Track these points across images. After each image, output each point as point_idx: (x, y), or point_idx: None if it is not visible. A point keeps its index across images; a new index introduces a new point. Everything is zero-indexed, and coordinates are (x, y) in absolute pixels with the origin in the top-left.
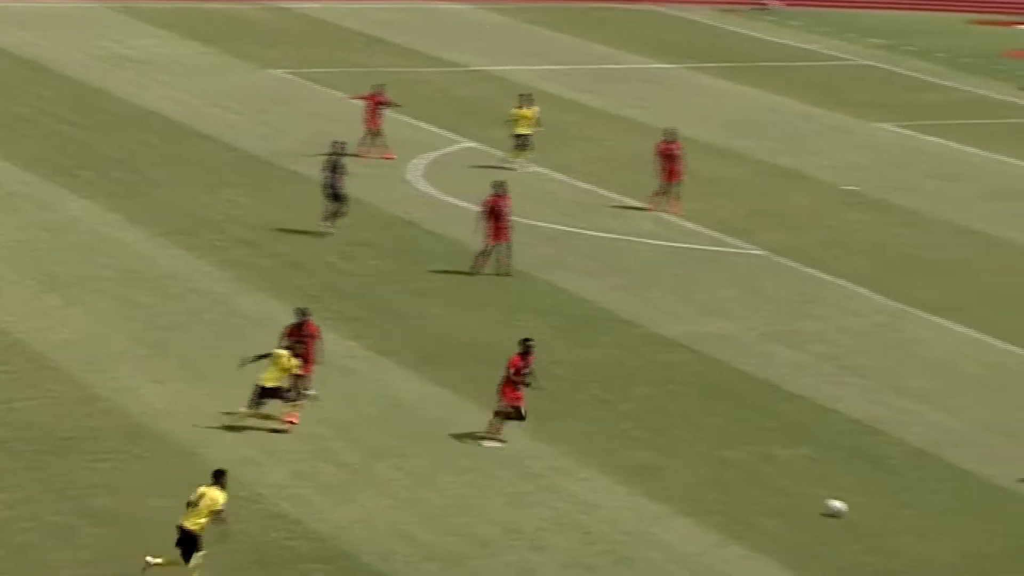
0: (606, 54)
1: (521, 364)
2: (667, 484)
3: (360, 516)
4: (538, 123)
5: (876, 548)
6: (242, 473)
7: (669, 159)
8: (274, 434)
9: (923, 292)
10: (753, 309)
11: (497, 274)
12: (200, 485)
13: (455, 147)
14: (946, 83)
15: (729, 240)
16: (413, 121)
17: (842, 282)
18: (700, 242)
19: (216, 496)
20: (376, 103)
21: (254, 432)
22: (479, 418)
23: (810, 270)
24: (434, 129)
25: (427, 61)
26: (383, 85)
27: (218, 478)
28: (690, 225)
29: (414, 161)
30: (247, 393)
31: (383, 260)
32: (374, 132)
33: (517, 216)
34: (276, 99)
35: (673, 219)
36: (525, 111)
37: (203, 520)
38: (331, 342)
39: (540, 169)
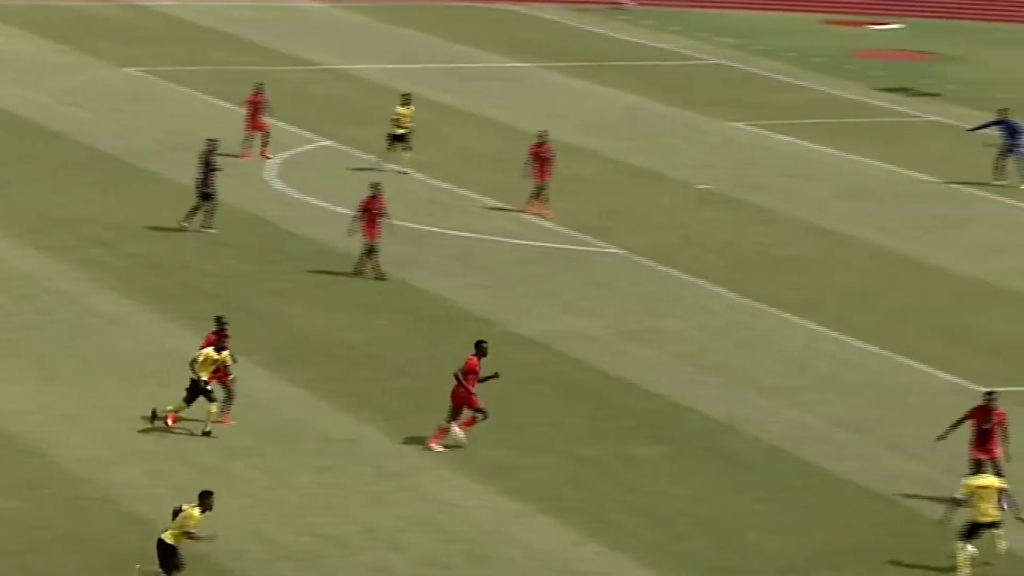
0: (463, 53)
1: (478, 366)
2: (525, 482)
3: (215, 516)
4: (410, 121)
5: (730, 545)
6: (95, 474)
7: (540, 161)
8: (127, 434)
9: (778, 290)
10: (610, 308)
11: (376, 278)
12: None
13: (312, 146)
14: (798, 82)
15: (586, 239)
16: (270, 120)
17: (698, 280)
18: (557, 241)
19: (192, 514)
20: (257, 103)
21: (105, 432)
22: (336, 418)
23: (666, 269)
24: (291, 128)
25: (284, 60)
26: (263, 84)
27: (202, 499)
28: (548, 224)
29: (271, 160)
30: (101, 393)
31: (240, 260)
32: (261, 131)
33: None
34: (132, 97)
35: (531, 218)
36: (403, 110)
37: (177, 534)
38: (188, 342)
39: (393, 167)
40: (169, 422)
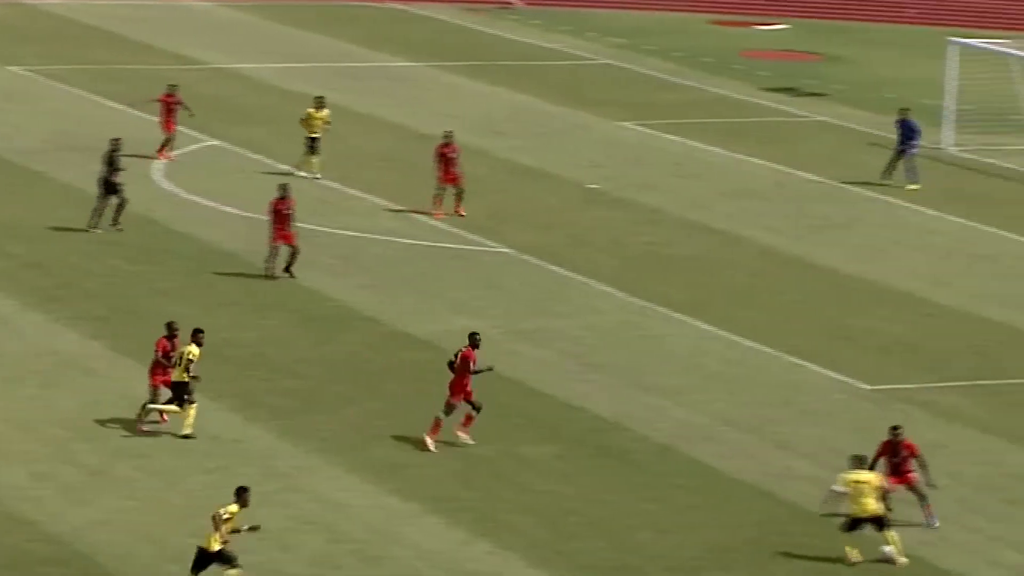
0: (351, 52)
1: (474, 357)
2: (415, 482)
3: (101, 518)
4: (323, 125)
5: (619, 543)
6: None
7: (446, 161)
8: (11, 435)
9: (666, 289)
10: (500, 307)
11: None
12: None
13: (198, 145)
14: (686, 82)
15: (474, 238)
16: (155, 119)
17: (587, 280)
18: (447, 240)
19: (232, 510)
20: (170, 104)
21: None
22: (224, 418)
23: (555, 268)
24: (178, 128)
25: (170, 59)
26: (176, 86)
27: (240, 495)
28: (436, 223)
29: (158, 160)
30: None
31: (126, 259)
32: (168, 133)
33: (258, 214)
34: (15, 96)
35: (419, 216)
36: (316, 112)
37: (224, 538)
38: (73, 342)
39: (285, 166)
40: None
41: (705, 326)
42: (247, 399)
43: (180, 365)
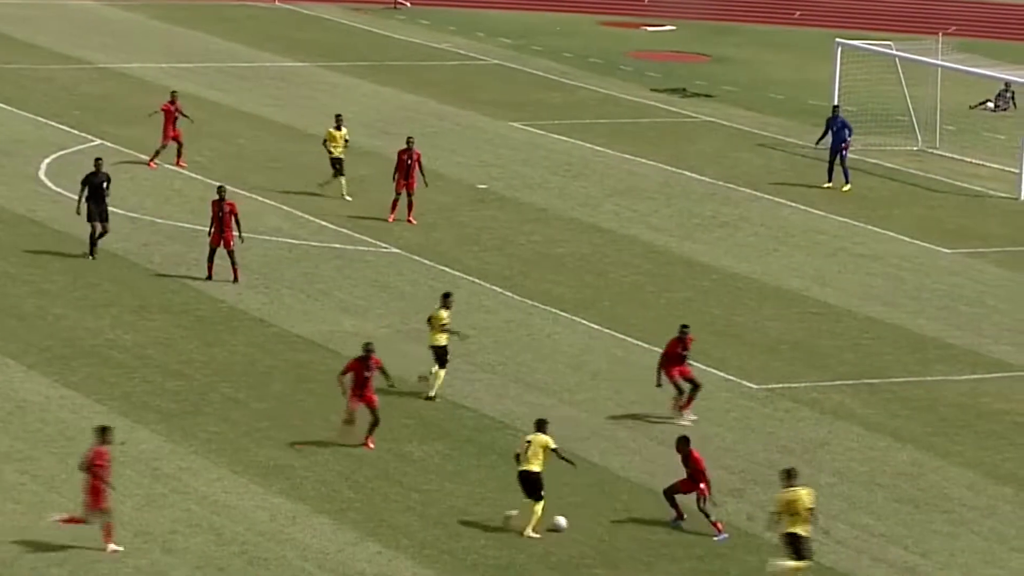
0: (237, 51)
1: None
2: (302, 483)
3: None
4: (346, 145)
5: (507, 542)
6: None
7: (403, 168)
8: None
9: (553, 288)
10: (388, 307)
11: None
12: None
13: (82, 145)
14: (574, 82)
15: (361, 238)
16: (39, 118)
17: (475, 279)
18: (334, 240)
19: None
20: (171, 112)
21: None
22: (109, 420)
23: (443, 267)
24: (60, 127)
25: (52, 57)
26: (176, 93)
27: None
28: (322, 223)
29: (41, 159)
30: None
31: (8, 260)
32: (176, 140)
33: (143, 214)
34: None
35: (307, 217)
36: (336, 132)
37: None
38: None
39: (169, 166)
40: None
41: (592, 325)
42: (132, 401)
43: (434, 330)
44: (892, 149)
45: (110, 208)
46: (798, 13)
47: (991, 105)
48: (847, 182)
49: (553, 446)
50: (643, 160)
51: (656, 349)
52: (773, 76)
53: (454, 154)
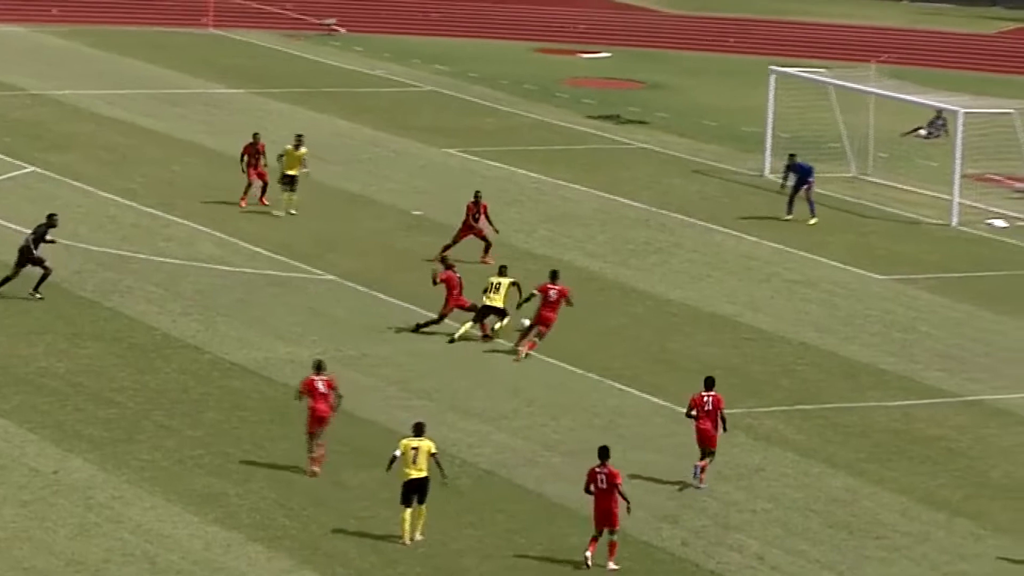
0: (170, 78)
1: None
2: (236, 511)
3: None
4: (304, 164)
5: (443, 570)
6: None
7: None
8: None
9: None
10: (323, 334)
11: None
12: None
13: (15, 172)
14: (509, 109)
15: (297, 265)
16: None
17: (410, 306)
18: (267, 267)
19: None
20: (253, 152)
21: None
22: (42, 449)
23: (378, 294)
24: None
25: None
26: (259, 133)
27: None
28: (256, 250)
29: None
30: None
31: None
32: (261, 179)
33: (77, 241)
34: None
35: (241, 244)
36: (294, 151)
37: None
38: None
39: (104, 193)
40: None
41: (529, 351)
42: (65, 429)
43: (497, 293)
44: (826, 176)
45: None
46: (732, 40)
47: (923, 132)
48: (813, 215)
49: (434, 451)
50: (578, 186)
51: (591, 375)
52: (707, 103)
53: (389, 180)
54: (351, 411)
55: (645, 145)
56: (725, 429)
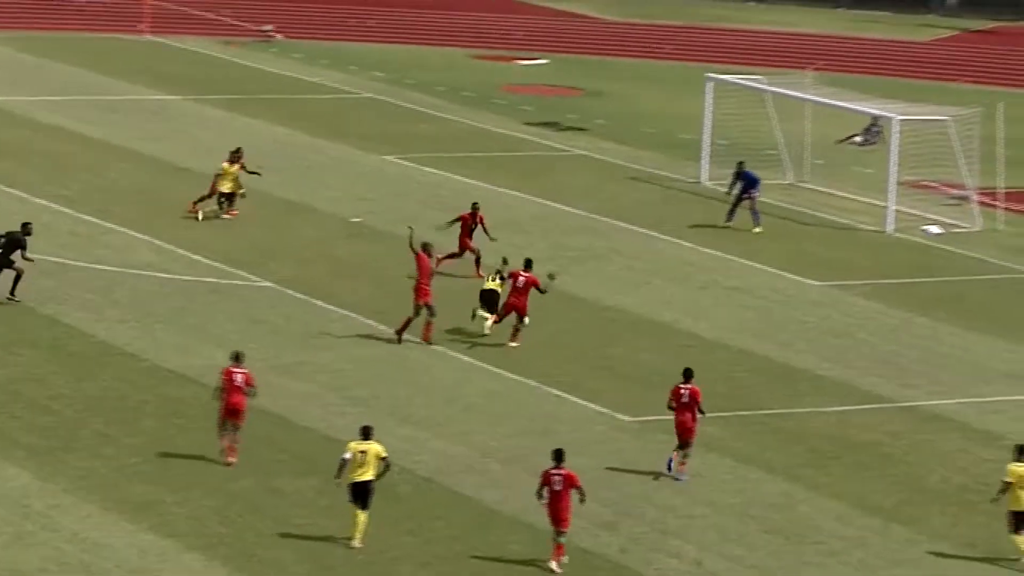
0: (107, 85)
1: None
2: (173, 519)
3: None
4: (236, 180)
5: None
6: None
7: (467, 229)
8: None
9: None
10: (260, 341)
11: None
12: None
13: None
14: (447, 116)
15: (235, 272)
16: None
17: (349, 313)
18: (205, 274)
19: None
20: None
21: None
22: None
23: (317, 301)
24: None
25: None
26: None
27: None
28: (195, 257)
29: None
30: None
31: None
32: (238, 193)
33: None
34: None
35: (179, 251)
36: (229, 167)
37: None
38: None
39: (39, 200)
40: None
41: (466, 358)
42: (1, 437)
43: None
44: (763, 183)
45: None
46: (670, 47)
47: (859, 139)
48: (757, 224)
49: (384, 455)
50: (517, 193)
51: (530, 382)
52: (645, 110)
53: (327, 187)
54: (289, 418)
55: (583, 152)
56: (703, 413)
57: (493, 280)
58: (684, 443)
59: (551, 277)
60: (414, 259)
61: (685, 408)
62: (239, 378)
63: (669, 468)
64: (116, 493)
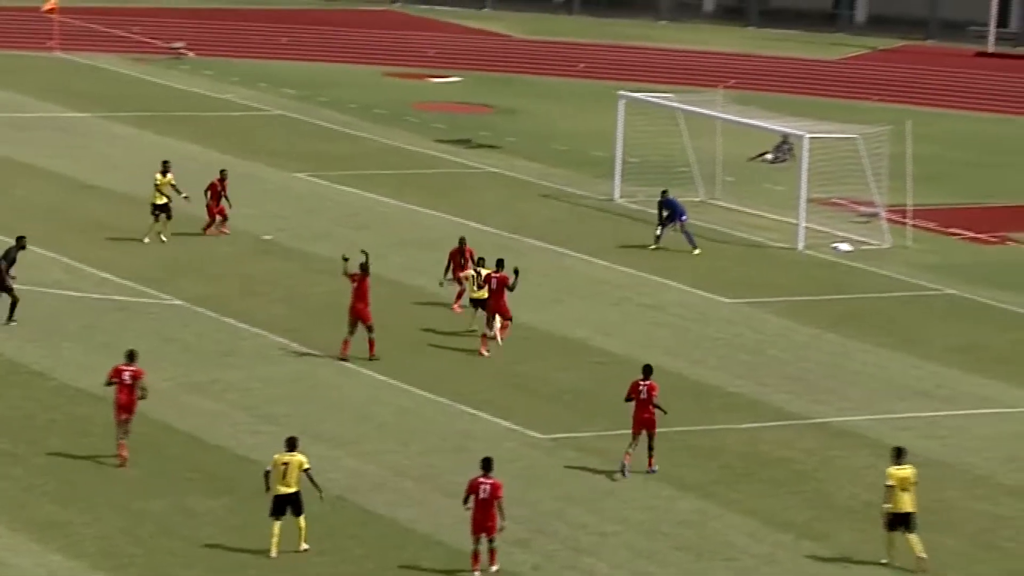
0: (15, 102)
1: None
2: (82, 539)
3: None
4: (176, 190)
5: None
6: None
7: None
8: None
9: (339, 339)
10: (171, 360)
11: None
12: None
13: None
14: (359, 133)
15: (145, 290)
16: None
17: (260, 331)
18: (115, 292)
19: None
20: (221, 187)
21: None
22: None
23: (228, 319)
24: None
25: None
26: (226, 170)
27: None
28: (104, 275)
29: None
30: None
31: None
32: (221, 214)
33: None
34: None
35: (89, 269)
36: (162, 178)
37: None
38: None
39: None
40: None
41: (379, 376)
42: None
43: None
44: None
45: None
46: (582, 65)
47: (769, 157)
48: (694, 246)
49: (307, 466)
50: (429, 211)
51: (442, 400)
52: (557, 127)
53: (239, 205)
54: (200, 436)
55: (496, 170)
56: (662, 410)
57: (480, 289)
58: (639, 436)
59: (516, 272)
60: (350, 281)
61: (644, 404)
62: (127, 375)
63: (624, 472)
64: (24, 513)
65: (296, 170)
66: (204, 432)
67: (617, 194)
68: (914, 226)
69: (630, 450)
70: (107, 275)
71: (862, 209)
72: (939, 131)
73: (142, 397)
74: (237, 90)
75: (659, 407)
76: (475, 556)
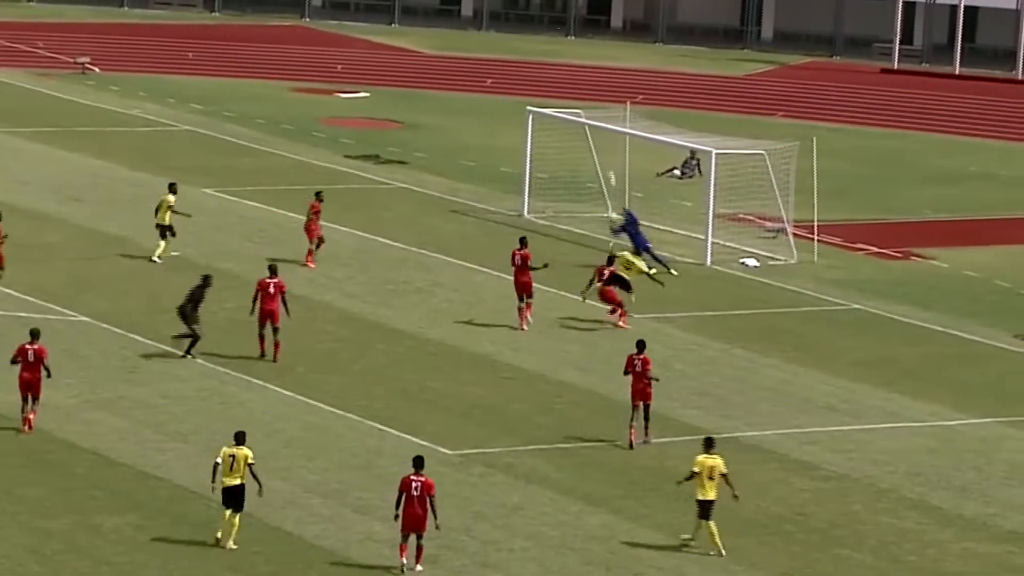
0: None
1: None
2: None
3: None
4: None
5: None
6: None
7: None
8: None
9: (247, 355)
10: (76, 376)
11: None
12: None
13: None
14: (267, 148)
15: (49, 306)
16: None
17: (166, 347)
18: (17, 308)
19: None
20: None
21: None
22: None
23: (133, 335)
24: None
25: None
26: (322, 191)
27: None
28: (6, 291)
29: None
30: None
31: None
32: (319, 239)
33: None
34: None
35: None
36: (170, 198)
37: None
38: None
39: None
40: None
41: (286, 392)
42: None
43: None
44: (582, 216)
45: None
46: (490, 81)
47: (677, 172)
48: (668, 268)
49: (252, 460)
50: (337, 226)
51: (350, 416)
52: (465, 143)
53: (144, 220)
54: (106, 454)
55: (404, 185)
56: (656, 380)
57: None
58: (638, 408)
59: (545, 266)
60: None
61: (639, 376)
62: (31, 354)
63: (631, 446)
64: None
65: (204, 185)
66: (110, 450)
67: (526, 210)
68: (820, 241)
69: (633, 424)
70: (9, 291)
71: (769, 224)
72: (844, 146)
73: (47, 375)
74: (144, 105)
75: (653, 378)
76: (402, 548)
